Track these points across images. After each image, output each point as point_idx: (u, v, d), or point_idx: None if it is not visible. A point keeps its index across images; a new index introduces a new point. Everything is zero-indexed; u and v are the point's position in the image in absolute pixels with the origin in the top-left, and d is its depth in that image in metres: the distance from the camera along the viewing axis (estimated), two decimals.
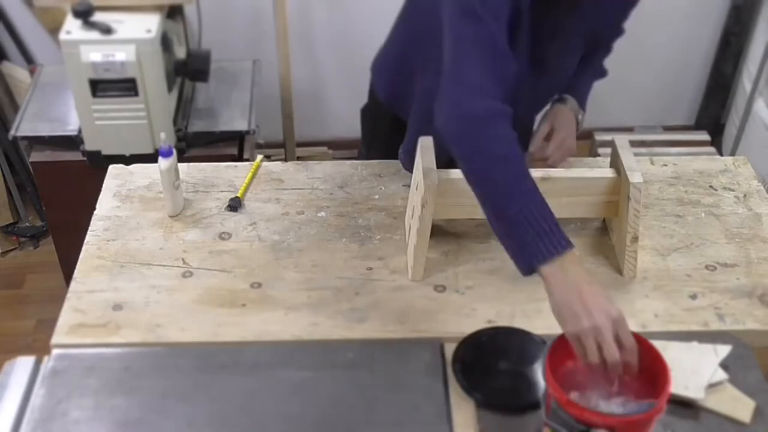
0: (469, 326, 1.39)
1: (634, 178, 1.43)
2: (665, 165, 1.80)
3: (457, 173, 1.49)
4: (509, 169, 1.22)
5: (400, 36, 1.69)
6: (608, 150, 1.57)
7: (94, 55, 2.06)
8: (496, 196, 1.23)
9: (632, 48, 3.04)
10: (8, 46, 2.83)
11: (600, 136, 3.05)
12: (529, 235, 1.18)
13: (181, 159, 1.82)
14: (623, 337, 1.13)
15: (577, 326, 1.13)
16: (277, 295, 1.47)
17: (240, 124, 2.40)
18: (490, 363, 1.32)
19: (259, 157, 1.80)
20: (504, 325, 1.39)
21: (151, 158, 1.92)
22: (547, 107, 1.69)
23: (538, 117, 1.71)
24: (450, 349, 1.34)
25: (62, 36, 2.08)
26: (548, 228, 1.18)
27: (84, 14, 2.08)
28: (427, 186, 1.40)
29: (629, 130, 3.24)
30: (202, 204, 1.67)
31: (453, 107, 1.27)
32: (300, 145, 2.96)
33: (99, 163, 2.22)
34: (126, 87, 2.11)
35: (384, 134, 1.82)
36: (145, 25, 2.11)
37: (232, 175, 1.75)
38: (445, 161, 1.45)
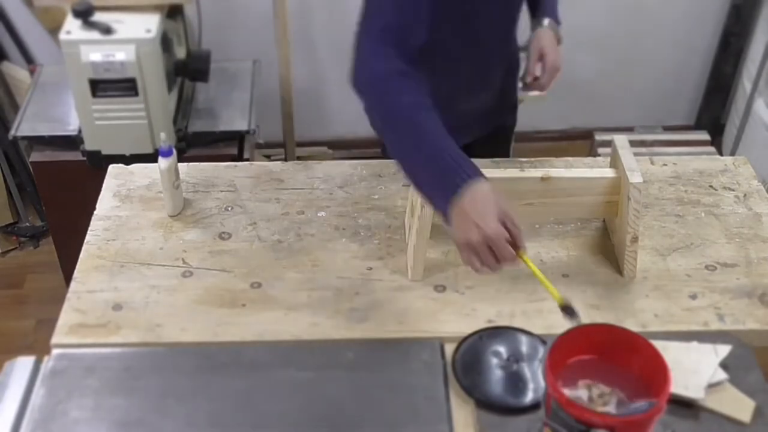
0: (469, 326, 1.39)
1: (634, 178, 1.43)
2: (665, 165, 1.80)
3: None
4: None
5: None
6: (608, 150, 1.57)
7: (94, 55, 2.07)
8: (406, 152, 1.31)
9: (632, 48, 3.05)
10: (8, 46, 2.83)
11: (600, 136, 3.04)
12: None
13: (181, 159, 1.82)
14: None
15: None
16: (277, 295, 1.47)
17: (240, 124, 2.40)
18: (490, 363, 1.32)
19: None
20: (504, 325, 1.39)
21: (151, 158, 1.91)
22: (530, 34, 1.73)
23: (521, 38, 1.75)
24: (450, 349, 1.34)
25: (62, 36, 2.08)
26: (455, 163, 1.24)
27: (84, 14, 2.08)
28: None
29: (629, 130, 3.24)
30: (202, 204, 1.67)
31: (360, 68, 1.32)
32: (300, 145, 2.96)
33: (99, 163, 2.22)
34: (126, 87, 2.11)
35: None
36: (145, 25, 2.11)
37: (232, 175, 1.75)
38: None
